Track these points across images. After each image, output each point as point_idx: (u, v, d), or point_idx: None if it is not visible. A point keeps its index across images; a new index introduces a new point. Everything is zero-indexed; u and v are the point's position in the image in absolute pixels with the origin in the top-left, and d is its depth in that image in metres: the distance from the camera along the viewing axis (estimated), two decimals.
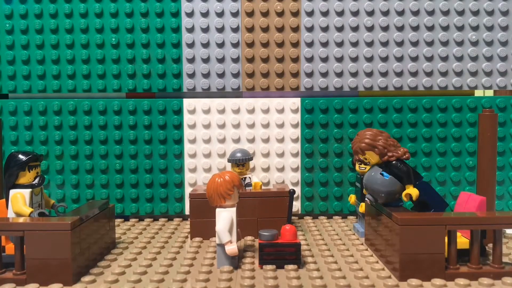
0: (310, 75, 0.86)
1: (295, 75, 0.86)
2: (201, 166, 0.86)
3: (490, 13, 0.84)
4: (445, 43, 0.85)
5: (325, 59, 0.85)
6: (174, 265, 0.59)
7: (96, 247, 0.61)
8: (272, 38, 0.85)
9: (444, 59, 0.85)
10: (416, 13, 0.84)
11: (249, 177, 0.78)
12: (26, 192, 0.61)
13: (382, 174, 0.62)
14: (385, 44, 0.85)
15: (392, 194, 0.63)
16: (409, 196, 0.62)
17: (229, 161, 0.78)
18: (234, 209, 0.58)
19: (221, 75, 0.86)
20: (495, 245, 0.54)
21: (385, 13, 0.84)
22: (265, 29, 0.85)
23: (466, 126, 0.85)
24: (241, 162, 0.77)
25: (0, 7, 0.85)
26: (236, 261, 0.58)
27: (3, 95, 0.87)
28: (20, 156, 0.62)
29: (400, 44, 0.85)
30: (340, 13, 0.84)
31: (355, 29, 0.85)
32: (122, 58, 0.85)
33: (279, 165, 0.86)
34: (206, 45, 0.85)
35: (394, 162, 0.64)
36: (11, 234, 0.54)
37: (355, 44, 0.85)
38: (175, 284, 0.52)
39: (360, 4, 0.84)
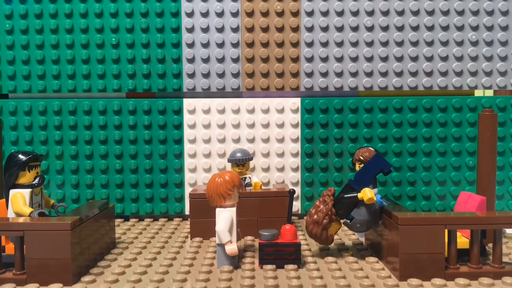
0: (310, 75, 0.86)
1: (295, 75, 0.86)
2: (201, 166, 0.86)
3: (490, 13, 0.84)
4: (445, 43, 0.85)
5: (325, 59, 0.85)
6: (174, 265, 0.59)
7: (96, 247, 0.61)
8: (272, 38, 0.85)
9: (444, 59, 0.85)
10: (416, 13, 0.84)
11: (249, 177, 0.78)
12: (26, 192, 0.61)
13: (350, 220, 0.62)
14: (385, 44, 0.85)
15: (370, 217, 0.61)
16: (369, 197, 0.59)
17: (229, 161, 0.78)
18: (234, 209, 0.58)
19: (221, 75, 0.86)
20: (495, 244, 0.54)
21: (385, 13, 0.84)
22: (265, 29, 0.85)
23: (466, 126, 0.85)
24: (241, 162, 0.77)
25: (0, 7, 0.85)
26: (236, 261, 0.58)
27: (3, 95, 0.87)
28: (20, 156, 0.62)
29: (400, 44, 0.85)
30: (340, 13, 0.84)
31: (355, 29, 0.85)
32: (122, 58, 0.85)
33: (279, 165, 0.86)
34: (206, 45, 0.85)
35: (334, 209, 0.61)
36: (11, 234, 0.54)
37: (355, 44, 0.85)
38: (175, 284, 0.52)
39: (360, 4, 0.84)
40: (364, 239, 0.70)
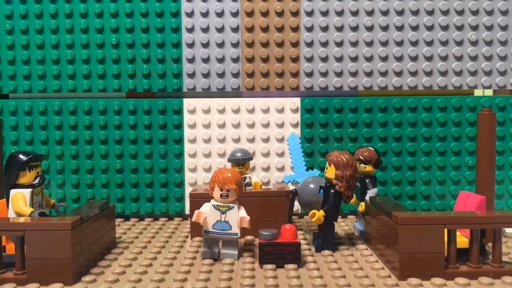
0: (310, 74, 0.86)
1: (295, 75, 0.86)
2: (201, 166, 0.86)
3: (490, 13, 0.84)
4: (444, 43, 0.85)
5: (324, 59, 0.85)
6: (175, 264, 0.59)
7: (97, 247, 0.61)
8: (272, 38, 0.85)
9: (444, 58, 0.85)
10: (415, 12, 0.85)
11: (249, 177, 0.78)
12: (27, 192, 0.61)
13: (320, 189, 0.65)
14: (384, 43, 0.85)
15: (308, 205, 0.66)
16: (313, 215, 0.63)
17: (229, 160, 0.78)
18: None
19: (221, 75, 0.86)
20: (494, 244, 0.55)
21: (385, 13, 0.85)
22: (265, 29, 0.85)
23: (466, 126, 0.85)
24: (241, 161, 0.77)
25: (1, 7, 0.85)
26: (215, 253, 0.61)
27: (4, 95, 0.87)
28: (21, 156, 0.62)
29: (399, 43, 0.85)
30: (340, 13, 0.85)
31: (354, 28, 0.85)
32: (122, 58, 0.85)
33: (279, 165, 0.86)
34: (206, 45, 0.85)
35: (334, 190, 0.63)
36: (12, 234, 0.54)
37: (354, 44, 0.85)
38: (175, 284, 0.52)
39: (359, 3, 0.84)
40: (364, 238, 0.70)
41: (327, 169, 0.65)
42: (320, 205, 0.65)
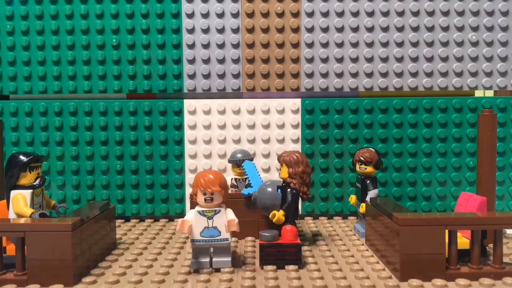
0: (310, 75, 0.86)
1: (296, 75, 0.86)
2: (201, 167, 0.86)
3: (490, 14, 0.84)
4: (445, 44, 0.85)
5: (325, 60, 0.85)
6: (175, 265, 0.59)
7: (97, 248, 0.61)
8: (273, 39, 0.85)
9: (444, 59, 0.85)
10: (416, 13, 0.85)
11: None
12: (27, 193, 0.61)
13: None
14: (385, 44, 0.85)
15: (267, 208, 0.66)
16: (273, 216, 0.62)
17: (229, 161, 0.78)
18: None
19: (222, 76, 0.86)
20: (495, 245, 0.55)
21: (385, 14, 0.85)
22: (266, 30, 0.85)
23: (467, 127, 0.85)
24: (242, 162, 0.77)
25: (1, 8, 0.85)
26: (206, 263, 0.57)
27: (4, 96, 0.87)
28: (21, 157, 0.62)
29: (400, 44, 0.85)
30: (340, 14, 0.85)
31: (355, 29, 0.85)
32: (123, 59, 0.85)
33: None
34: (206, 46, 0.85)
35: (290, 189, 0.64)
36: (12, 235, 0.54)
37: (355, 45, 0.85)
38: (175, 285, 0.52)
39: (360, 4, 0.84)
40: (364, 239, 0.70)
41: (280, 170, 0.66)
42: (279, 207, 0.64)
